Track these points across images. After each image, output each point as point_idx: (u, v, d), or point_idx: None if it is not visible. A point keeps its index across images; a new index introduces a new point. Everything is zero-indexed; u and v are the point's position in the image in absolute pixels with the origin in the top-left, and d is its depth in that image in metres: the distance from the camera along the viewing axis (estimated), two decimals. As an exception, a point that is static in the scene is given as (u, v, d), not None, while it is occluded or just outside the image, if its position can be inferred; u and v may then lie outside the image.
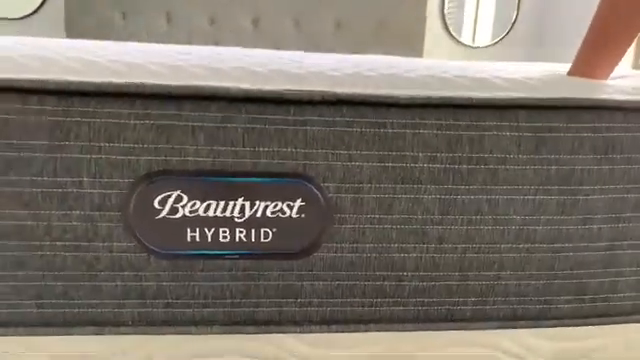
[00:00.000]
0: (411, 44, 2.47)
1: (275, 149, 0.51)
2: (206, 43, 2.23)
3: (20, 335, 0.53)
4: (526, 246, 0.57)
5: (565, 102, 0.55)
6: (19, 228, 0.50)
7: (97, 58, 0.53)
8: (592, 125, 0.55)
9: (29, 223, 0.50)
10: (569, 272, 0.59)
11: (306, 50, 2.20)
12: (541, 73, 0.61)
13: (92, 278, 0.52)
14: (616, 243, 0.58)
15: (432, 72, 0.57)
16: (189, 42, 2.28)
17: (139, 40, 2.14)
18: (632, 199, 0.57)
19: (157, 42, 2.06)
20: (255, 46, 2.17)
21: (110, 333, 0.55)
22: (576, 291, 0.60)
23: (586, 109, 0.55)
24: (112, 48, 0.58)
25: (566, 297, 0.60)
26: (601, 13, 0.60)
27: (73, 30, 2.18)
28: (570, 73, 0.64)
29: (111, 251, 0.52)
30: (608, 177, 0.56)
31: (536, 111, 0.54)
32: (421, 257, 0.56)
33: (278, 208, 0.52)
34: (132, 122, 0.49)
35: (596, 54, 0.62)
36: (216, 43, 2.21)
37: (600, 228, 0.58)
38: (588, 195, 0.56)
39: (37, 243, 0.51)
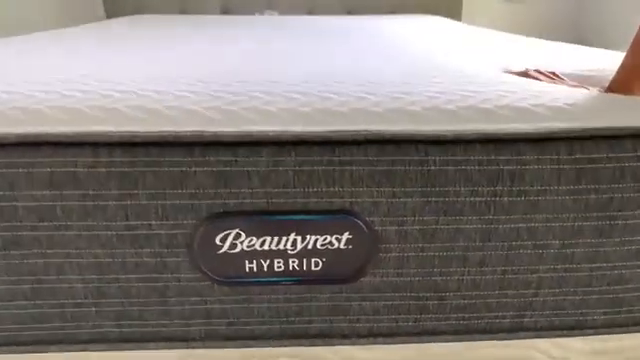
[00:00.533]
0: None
1: (323, 189, 0.55)
2: (242, 11, 2.22)
3: (102, 351, 0.61)
4: (564, 266, 0.60)
5: (607, 132, 0.55)
6: (98, 264, 0.56)
7: (156, 104, 0.56)
8: (634, 154, 0.55)
9: (106, 260, 0.56)
10: (606, 288, 0.62)
11: (340, 13, 2.16)
12: (583, 95, 0.61)
13: (163, 303, 0.59)
14: None
15: (473, 102, 0.58)
16: (225, 11, 2.27)
17: (174, 12, 2.13)
18: None
19: (194, 13, 2.05)
20: (290, 10, 2.14)
21: (180, 347, 0.61)
22: (612, 304, 0.63)
23: (628, 137, 0.56)
24: (170, 89, 0.61)
25: (602, 309, 0.63)
26: None
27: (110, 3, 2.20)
28: (611, 88, 0.64)
29: (179, 281, 0.58)
30: None
31: (577, 142, 0.55)
32: (462, 279, 0.59)
33: (327, 241, 0.56)
34: (192, 169, 0.53)
35: (638, 72, 0.61)
36: (252, 10, 2.20)
37: (639, 249, 0.59)
38: (627, 220, 0.58)
39: (114, 276, 0.57)
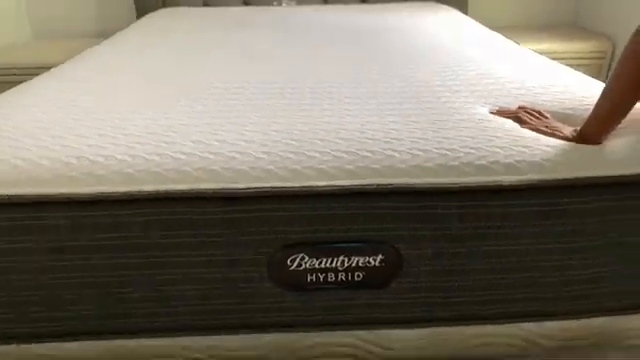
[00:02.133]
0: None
1: (362, 226, 0.77)
2: (262, 2, 2.36)
3: (205, 335, 0.85)
4: (536, 274, 0.82)
5: (572, 182, 0.76)
6: (202, 278, 0.79)
7: (242, 166, 0.78)
8: (593, 198, 0.77)
9: (209, 276, 0.79)
10: (568, 287, 0.84)
11: (355, 1, 2.26)
12: (556, 150, 0.81)
13: (247, 302, 0.82)
14: (603, 270, 0.82)
15: (472, 159, 0.79)
16: (247, 1, 2.41)
17: (199, 4, 2.23)
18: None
19: (217, 5, 2.16)
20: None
21: (258, 332, 0.85)
22: (571, 298, 0.85)
23: (589, 186, 0.77)
24: (248, 149, 0.82)
25: (565, 302, 0.86)
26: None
27: None
28: (582, 137, 0.84)
29: (258, 288, 0.81)
30: (610, 227, 0.78)
31: (549, 191, 0.76)
32: (461, 284, 0.82)
33: (366, 260, 0.79)
34: (272, 214, 0.76)
35: (604, 124, 0.82)
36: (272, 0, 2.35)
37: (597, 259, 0.81)
38: (588, 242, 0.79)
39: (213, 286, 0.80)
